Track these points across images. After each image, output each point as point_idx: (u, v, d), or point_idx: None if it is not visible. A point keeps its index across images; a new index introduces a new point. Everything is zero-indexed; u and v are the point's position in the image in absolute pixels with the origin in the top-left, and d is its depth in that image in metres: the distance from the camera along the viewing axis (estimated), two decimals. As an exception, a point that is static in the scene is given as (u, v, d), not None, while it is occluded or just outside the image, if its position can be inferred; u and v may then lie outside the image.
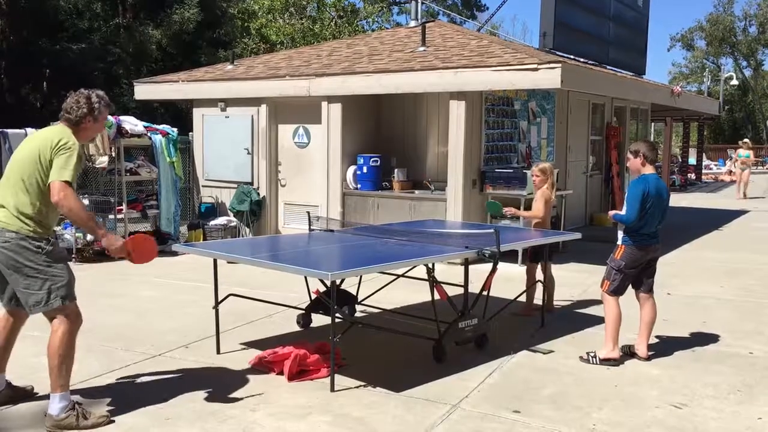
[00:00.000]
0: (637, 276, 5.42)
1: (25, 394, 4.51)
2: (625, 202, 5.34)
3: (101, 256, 8.95)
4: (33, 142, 4.15)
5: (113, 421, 4.18)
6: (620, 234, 5.38)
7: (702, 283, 8.41)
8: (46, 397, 4.20)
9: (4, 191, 4.12)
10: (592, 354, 5.37)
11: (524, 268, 7.00)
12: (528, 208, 9.11)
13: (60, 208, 4.05)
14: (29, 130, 9.09)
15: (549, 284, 6.76)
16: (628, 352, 5.47)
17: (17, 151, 4.22)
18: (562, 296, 7.45)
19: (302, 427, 4.17)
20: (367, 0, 30.93)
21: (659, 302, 5.61)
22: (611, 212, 5.53)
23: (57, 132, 4.14)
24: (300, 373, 4.93)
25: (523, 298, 6.67)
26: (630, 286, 5.47)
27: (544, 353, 5.58)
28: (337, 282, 5.76)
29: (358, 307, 6.52)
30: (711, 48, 57.19)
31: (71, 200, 3.99)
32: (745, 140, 22.65)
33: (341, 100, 10.29)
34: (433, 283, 5.43)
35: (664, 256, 10.12)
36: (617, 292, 5.38)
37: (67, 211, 4.02)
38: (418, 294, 6.99)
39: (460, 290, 5.60)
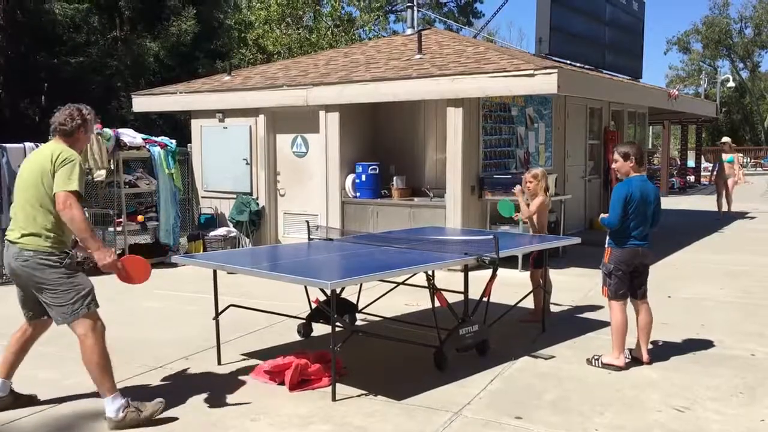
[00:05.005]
0: (630, 282, 5.42)
1: (30, 401, 4.62)
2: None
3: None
4: (34, 161, 4.32)
5: (166, 408, 4.39)
6: (608, 237, 5.43)
7: (702, 285, 8.41)
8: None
9: (17, 212, 4.29)
10: (596, 357, 5.40)
11: (525, 273, 7.01)
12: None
13: (63, 217, 4.14)
14: (28, 144, 9.09)
15: (548, 289, 6.77)
16: (630, 357, 5.47)
17: (23, 172, 4.38)
18: (562, 301, 7.45)
19: (304, 436, 4.17)
20: (364, 9, 31.04)
21: (659, 305, 5.62)
22: (601, 216, 5.55)
23: (54, 147, 4.31)
24: (301, 382, 4.93)
25: (523, 304, 6.65)
26: None
27: (545, 359, 5.58)
28: (337, 291, 5.76)
29: (358, 316, 6.52)
30: (707, 50, 57.40)
31: (74, 209, 4.13)
32: (725, 139, 16.86)
33: (339, 109, 10.31)
34: (433, 290, 5.43)
35: (663, 258, 10.20)
36: (618, 295, 5.38)
37: (69, 219, 4.14)
38: (418, 301, 6.99)
39: (460, 297, 5.60)
